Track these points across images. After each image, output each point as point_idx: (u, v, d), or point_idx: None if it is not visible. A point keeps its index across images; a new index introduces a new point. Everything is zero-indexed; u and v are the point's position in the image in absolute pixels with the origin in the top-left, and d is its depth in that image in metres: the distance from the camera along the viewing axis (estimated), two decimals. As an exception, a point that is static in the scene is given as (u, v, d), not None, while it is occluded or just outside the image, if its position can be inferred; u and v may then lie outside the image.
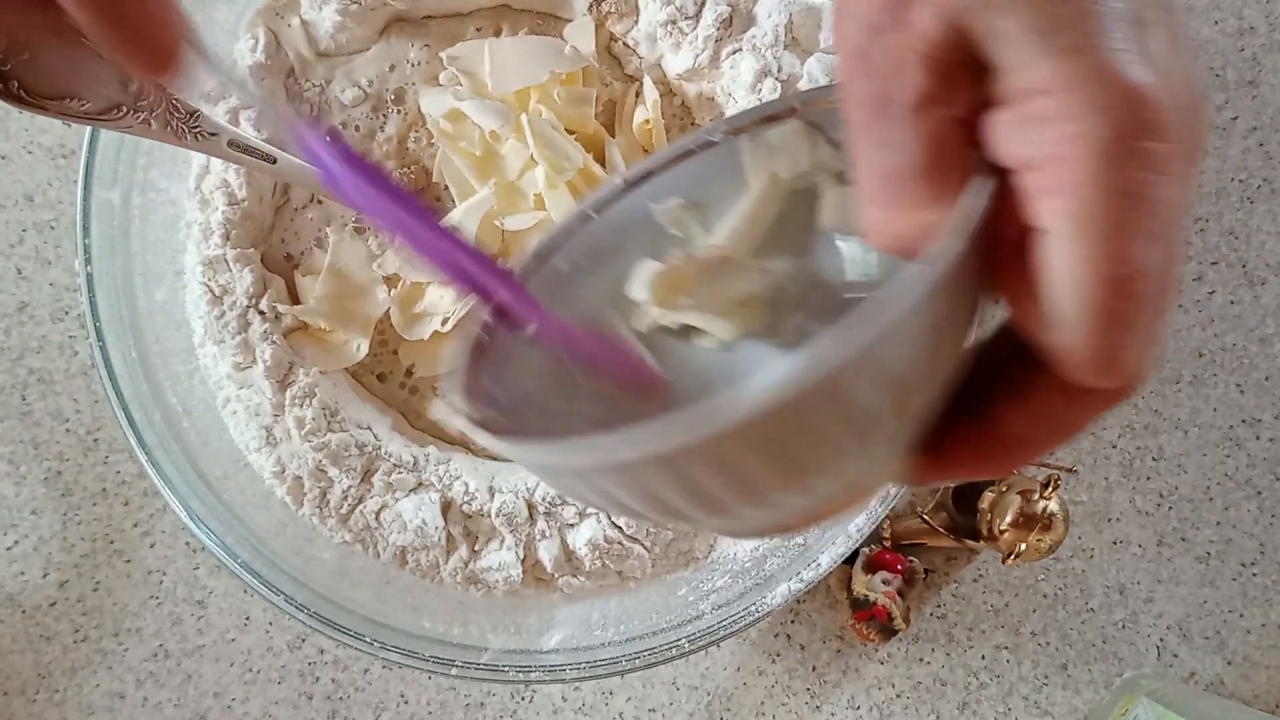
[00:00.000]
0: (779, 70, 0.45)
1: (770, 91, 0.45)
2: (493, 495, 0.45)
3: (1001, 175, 0.21)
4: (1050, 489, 0.46)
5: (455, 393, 0.26)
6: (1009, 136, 0.20)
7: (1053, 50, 0.19)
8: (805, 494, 0.22)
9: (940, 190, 0.21)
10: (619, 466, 0.20)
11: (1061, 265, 0.19)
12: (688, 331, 0.30)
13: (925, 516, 0.50)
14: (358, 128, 0.47)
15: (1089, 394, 0.22)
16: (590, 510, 0.45)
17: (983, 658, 0.53)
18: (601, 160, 0.46)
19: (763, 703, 0.52)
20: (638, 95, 0.47)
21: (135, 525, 0.51)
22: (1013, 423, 0.23)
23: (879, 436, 0.21)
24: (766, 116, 0.30)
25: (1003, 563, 0.47)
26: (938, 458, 0.24)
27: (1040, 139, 0.19)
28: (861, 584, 0.49)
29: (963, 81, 0.21)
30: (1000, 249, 0.21)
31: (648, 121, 0.46)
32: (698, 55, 0.45)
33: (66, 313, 0.52)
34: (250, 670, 0.51)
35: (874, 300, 0.19)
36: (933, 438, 0.24)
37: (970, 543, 0.49)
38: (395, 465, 0.45)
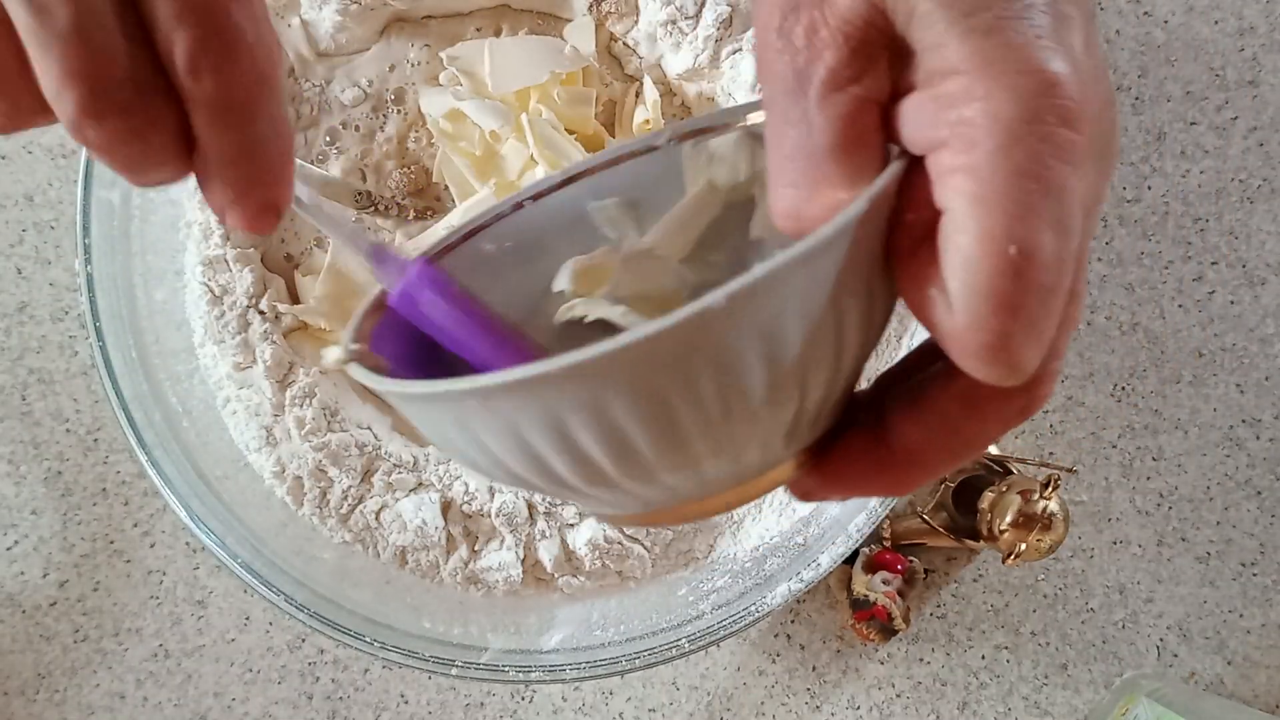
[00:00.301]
0: (779, 70, 0.45)
1: (770, 91, 0.45)
2: (493, 495, 0.45)
3: (912, 163, 0.20)
4: (1050, 489, 0.46)
5: (347, 335, 0.26)
6: (920, 118, 0.20)
7: (968, 31, 0.19)
8: (685, 473, 0.22)
9: (851, 172, 0.21)
10: (487, 395, 0.20)
11: (959, 241, 0.19)
12: (605, 328, 0.30)
13: (925, 516, 0.50)
14: (358, 128, 0.47)
15: (987, 403, 0.21)
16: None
17: (983, 658, 0.53)
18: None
19: (763, 703, 0.52)
20: (638, 95, 0.47)
21: (135, 525, 0.51)
22: (908, 433, 0.22)
23: (761, 416, 0.21)
24: (712, 126, 0.30)
25: (1003, 563, 0.47)
26: (827, 468, 0.24)
27: (950, 119, 0.19)
28: (861, 584, 0.49)
29: (879, 64, 0.21)
30: (904, 238, 0.21)
31: (648, 121, 0.46)
32: (698, 55, 0.45)
33: (66, 313, 0.52)
34: (250, 670, 0.51)
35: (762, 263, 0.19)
36: (825, 449, 0.24)
37: (970, 543, 0.49)
38: (395, 465, 0.45)
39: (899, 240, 0.21)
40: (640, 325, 0.19)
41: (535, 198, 0.31)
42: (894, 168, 0.21)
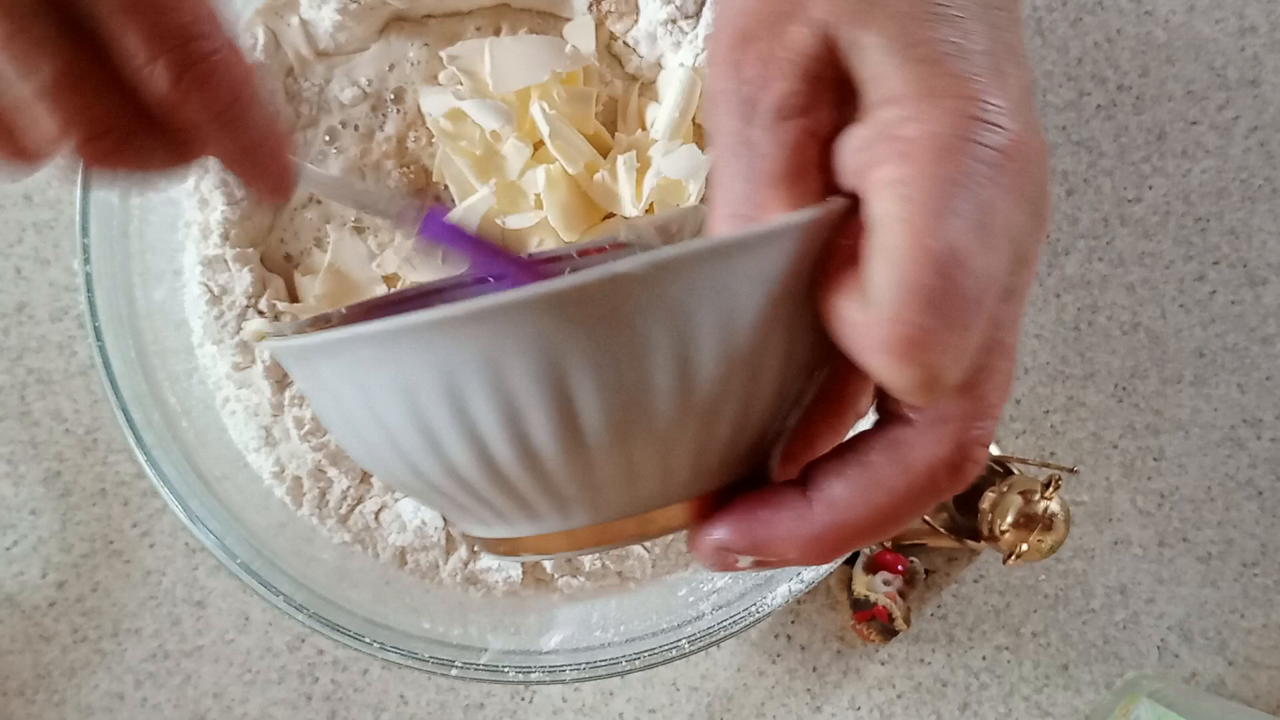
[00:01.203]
0: (779, 69, 0.45)
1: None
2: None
3: (850, 201, 0.21)
4: (1051, 489, 0.46)
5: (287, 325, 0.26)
6: (857, 145, 0.21)
7: (909, 60, 0.20)
8: (578, 481, 0.21)
9: (792, 202, 0.22)
10: (384, 340, 0.19)
11: (884, 240, 0.19)
12: None
13: (926, 517, 0.50)
14: (357, 127, 0.47)
15: (914, 452, 0.21)
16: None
17: (984, 658, 0.53)
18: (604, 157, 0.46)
19: (763, 703, 0.52)
20: (640, 93, 0.47)
21: (134, 525, 0.51)
22: (830, 485, 0.22)
23: (665, 430, 0.20)
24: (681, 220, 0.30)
25: (1004, 563, 0.47)
26: (738, 510, 0.22)
27: (887, 139, 0.20)
28: (862, 584, 0.49)
29: (825, 99, 0.22)
30: (831, 264, 0.21)
31: (649, 124, 0.46)
32: (698, 54, 0.45)
33: (65, 312, 0.52)
34: (249, 671, 0.51)
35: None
36: (735, 498, 0.22)
37: (971, 543, 0.49)
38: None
39: (825, 269, 0.21)
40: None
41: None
42: (837, 202, 0.21)
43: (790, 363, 0.21)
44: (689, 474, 0.22)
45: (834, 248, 0.21)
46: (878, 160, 0.20)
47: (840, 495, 0.22)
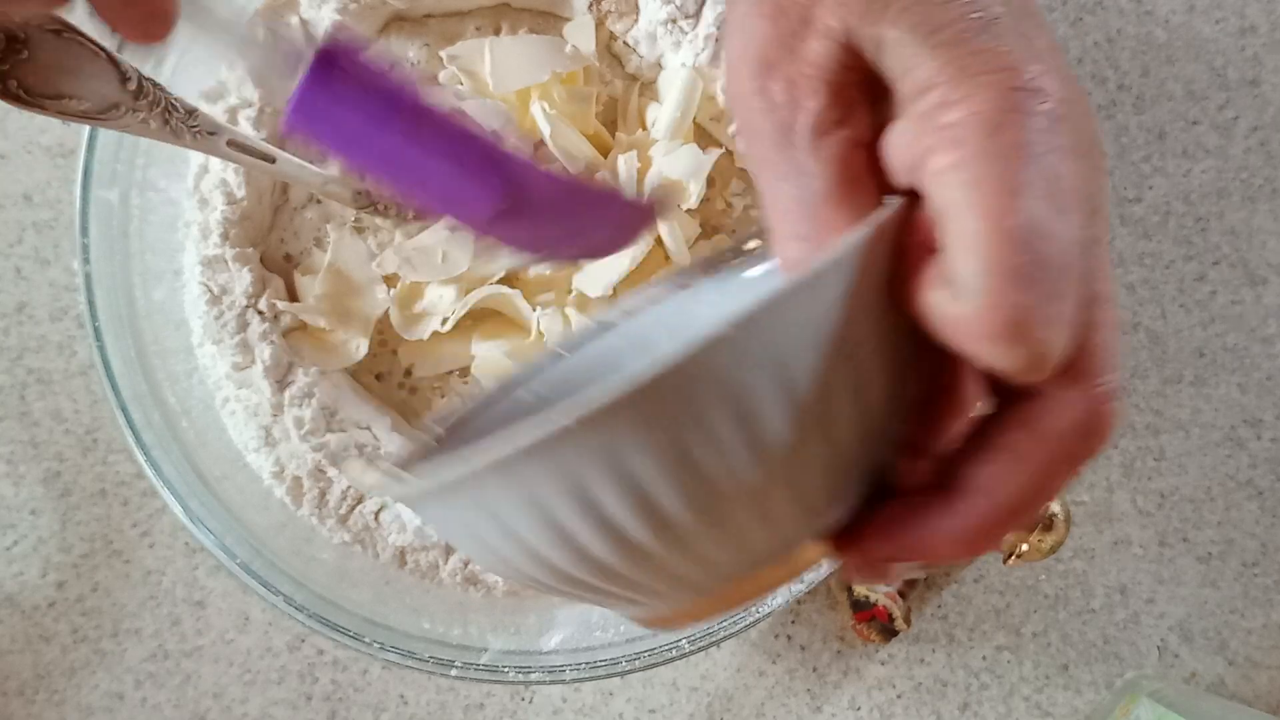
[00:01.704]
0: (779, 69, 0.45)
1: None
2: (492, 495, 0.45)
3: (908, 197, 0.21)
4: (1051, 489, 0.46)
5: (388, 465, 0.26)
6: (907, 139, 0.21)
7: (936, 46, 0.20)
8: (721, 539, 0.21)
9: (851, 214, 0.22)
10: (502, 468, 0.19)
11: (961, 228, 0.19)
12: None
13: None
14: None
15: (1050, 423, 0.21)
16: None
17: (984, 658, 0.53)
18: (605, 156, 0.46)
19: (763, 704, 0.52)
20: (640, 93, 0.47)
21: (134, 525, 0.51)
22: (977, 473, 0.21)
23: (789, 461, 0.20)
24: (737, 251, 0.29)
25: (1004, 563, 0.47)
26: (887, 522, 0.22)
27: (933, 128, 0.20)
28: (862, 585, 0.49)
29: (860, 103, 0.22)
30: (906, 265, 0.21)
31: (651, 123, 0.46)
32: (698, 54, 0.45)
33: (65, 312, 0.52)
34: (249, 671, 0.51)
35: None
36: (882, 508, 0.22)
37: (971, 543, 0.49)
38: (395, 465, 0.45)
39: (901, 269, 0.21)
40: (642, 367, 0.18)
41: (571, 350, 0.31)
42: (897, 201, 0.21)
43: (892, 358, 0.21)
44: (825, 506, 0.22)
45: (904, 247, 0.20)
46: (929, 151, 0.20)
47: (985, 482, 0.21)
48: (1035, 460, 0.21)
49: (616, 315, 0.31)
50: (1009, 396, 0.22)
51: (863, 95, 0.21)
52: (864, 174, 0.22)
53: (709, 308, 0.30)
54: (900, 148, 0.21)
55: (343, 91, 0.25)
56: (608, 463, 0.19)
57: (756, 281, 0.29)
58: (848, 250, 0.19)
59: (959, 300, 0.19)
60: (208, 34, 0.25)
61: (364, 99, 0.25)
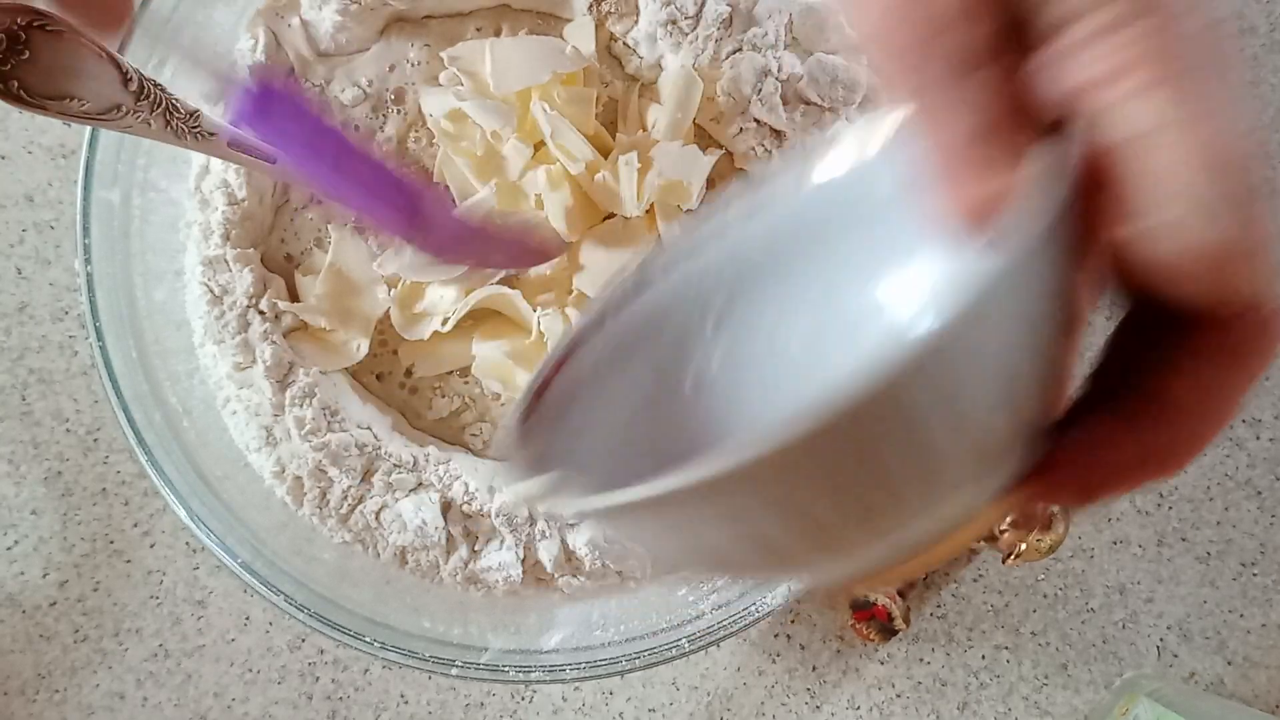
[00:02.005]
0: (779, 70, 0.45)
1: (771, 91, 0.45)
2: (492, 495, 0.45)
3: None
4: (1051, 489, 0.46)
5: (514, 447, 0.25)
6: (1062, 70, 0.19)
7: None
8: (918, 524, 0.20)
9: (1015, 149, 0.20)
10: (652, 504, 0.18)
11: (1165, 158, 0.18)
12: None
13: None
14: (358, 128, 0.47)
15: (1241, 327, 0.20)
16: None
17: (983, 658, 0.53)
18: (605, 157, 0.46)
19: (763, 703, 0.52)
20: (640, 94, 0.47)
21: (135, 525, 0.51)
22: (1171, 388, 0.20)
23: (989, 436, 0.19)
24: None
25: (1003, 563, 0.47)
26: (1078, 451, 0.21)
27: (1097, 56, 0.19)
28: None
29: (1005, 36, 0.20)
30: (1092, 217, 0.19)
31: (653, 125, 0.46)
32: (698, 55, 0.45)
33: (66, 313, 0.52)
34: (250, 670, 0.51)
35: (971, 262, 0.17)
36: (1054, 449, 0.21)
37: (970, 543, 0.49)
38: (395, 465, 0.45)
39: (1089, 221, 0.19)
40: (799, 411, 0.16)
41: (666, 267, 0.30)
42: (1075, 134, 0.19)
43: (1069, 310, 0.20)
44: (1015, 466, 0.21)
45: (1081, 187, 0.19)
46: (1097, 79, 0.19)
47: (1189, 392, 0.21)
48: (1224, 371, 0.20)
49: (705, 226, 0.29)
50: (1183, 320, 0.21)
51: (1005, 28, 0.20)
52: (1023, 105, 0.20)
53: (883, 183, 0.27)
54: (1056, 79, 0.20)
55: (272, 127, 0.27)
56: (818, 474, 0.18)
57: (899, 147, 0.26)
58: (1056, 198, 0.18)
59: (1169, 239, 0.18)
60: (164, 46, 0.27)
61: (291, 134, 0.27)
